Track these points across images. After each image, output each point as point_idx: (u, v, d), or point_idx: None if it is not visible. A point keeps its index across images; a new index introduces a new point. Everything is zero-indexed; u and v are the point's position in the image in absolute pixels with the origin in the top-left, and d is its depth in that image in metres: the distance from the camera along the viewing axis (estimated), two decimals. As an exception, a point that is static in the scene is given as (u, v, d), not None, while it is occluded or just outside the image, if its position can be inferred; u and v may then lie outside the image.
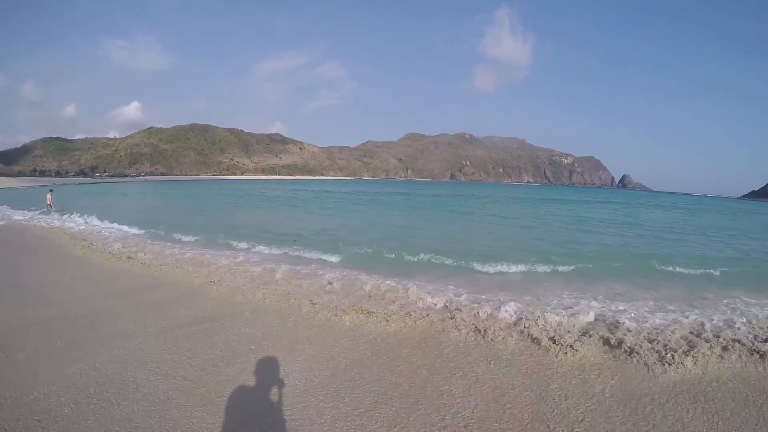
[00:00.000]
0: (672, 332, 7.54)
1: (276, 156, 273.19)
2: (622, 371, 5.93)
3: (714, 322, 8.53)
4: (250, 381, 5.29)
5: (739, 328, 7.90)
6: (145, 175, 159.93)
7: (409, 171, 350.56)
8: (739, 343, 6.88)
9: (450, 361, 6.10)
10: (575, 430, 4.50)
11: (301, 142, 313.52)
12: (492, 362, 6.07)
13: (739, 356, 6.43)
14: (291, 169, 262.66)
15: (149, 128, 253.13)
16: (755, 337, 7.41)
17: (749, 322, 8.55)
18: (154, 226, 20.36)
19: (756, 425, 4.75)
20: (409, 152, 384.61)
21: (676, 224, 37.17)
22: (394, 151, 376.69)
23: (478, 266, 13.42)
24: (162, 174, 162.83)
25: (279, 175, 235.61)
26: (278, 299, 8.79)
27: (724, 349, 6.63)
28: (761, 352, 6.49)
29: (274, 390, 5.02)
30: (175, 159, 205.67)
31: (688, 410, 4.99)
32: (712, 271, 14.75)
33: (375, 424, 4.49)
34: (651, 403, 5.13)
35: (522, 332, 7.21)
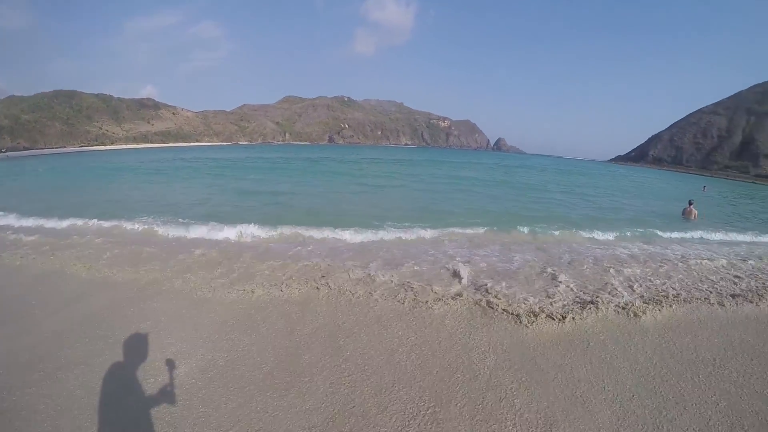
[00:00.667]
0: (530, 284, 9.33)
1: (148, 122, 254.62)
2: (494, 324, 7.17)
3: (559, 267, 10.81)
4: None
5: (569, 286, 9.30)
6: (5, 151, 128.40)
7: (287, 135, 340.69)
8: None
9: (348, 321, 7.15)
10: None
11: (175, 107, 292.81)
12: (380, 321, 7.16)
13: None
14: (164, 136, 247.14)
15: (8, 97, 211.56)
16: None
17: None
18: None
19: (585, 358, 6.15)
20: (287, 115, 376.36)
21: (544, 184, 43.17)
22: (272, 115, 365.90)
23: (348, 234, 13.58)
24: (26, 149, 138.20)
25: (152, 143, 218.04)
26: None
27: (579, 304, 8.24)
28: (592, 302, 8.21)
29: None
30: (39, 131, 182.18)
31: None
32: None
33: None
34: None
35: (408, 291, 8.53)
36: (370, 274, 9.59)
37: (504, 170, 59.95)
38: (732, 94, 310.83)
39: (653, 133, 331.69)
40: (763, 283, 10.42)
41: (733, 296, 9.24)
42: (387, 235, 13.90)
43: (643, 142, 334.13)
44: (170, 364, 5.51)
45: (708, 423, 4.90)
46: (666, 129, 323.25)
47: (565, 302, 8.33)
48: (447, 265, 10.60)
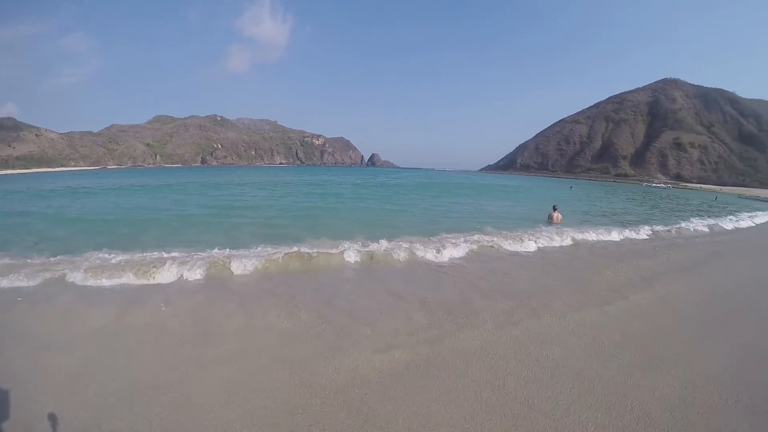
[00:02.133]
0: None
1: (9, 146, 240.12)
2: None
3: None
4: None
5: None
6: None
7: (158, 157, 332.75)
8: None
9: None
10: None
11: (38, 128, 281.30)
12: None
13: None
14: (27, 161, 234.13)
15: None
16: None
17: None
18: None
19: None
20: (158, 136, 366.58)
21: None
22: (142, 135, 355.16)
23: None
24: None
25: (13, 168, 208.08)
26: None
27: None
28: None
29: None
30: None
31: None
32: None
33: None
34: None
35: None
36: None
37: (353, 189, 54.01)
38: (592, 104, 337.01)
39: (520, 143, 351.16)
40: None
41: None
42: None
43: (511, 151, 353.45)
44: None
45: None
46: (532, 138, 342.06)
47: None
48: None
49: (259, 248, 13.53)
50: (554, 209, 24.08)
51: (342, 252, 13.10)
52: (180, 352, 6.62)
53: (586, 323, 8.34)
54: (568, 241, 17.80)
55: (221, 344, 6.93)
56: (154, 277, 10.46)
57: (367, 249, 13.77)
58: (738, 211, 41.46)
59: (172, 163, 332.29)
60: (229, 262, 11.64)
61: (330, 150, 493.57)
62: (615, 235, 20.25)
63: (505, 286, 10.81)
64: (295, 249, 13.14)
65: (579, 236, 18.92)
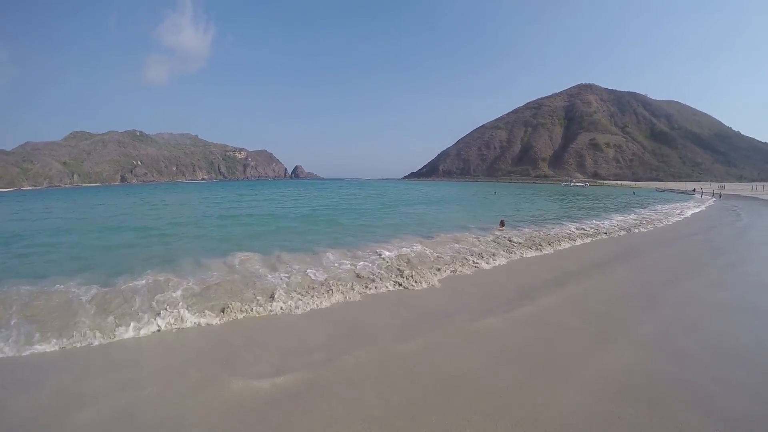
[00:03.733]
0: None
1: None
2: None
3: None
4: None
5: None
6: None
7: (75, 176, 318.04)
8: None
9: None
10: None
11: None
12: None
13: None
14: None
15: None
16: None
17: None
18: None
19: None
20: (75, 153, 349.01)
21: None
22: (58, 153, 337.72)
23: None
24: None
25: None
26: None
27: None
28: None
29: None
30: None
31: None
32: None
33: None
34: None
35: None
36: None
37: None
38: (511, 110, 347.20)
39: (442, 149, 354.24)
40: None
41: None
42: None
43: (434, 158, 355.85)
44: None
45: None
46: (453, 144, 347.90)
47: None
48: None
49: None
50: (501, 224, 23.41)
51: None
52: None
53: (490, 331, 8.21)
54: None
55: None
56: None
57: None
58: (654, 203, 45.34)
59: (91, 183, 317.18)
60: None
61: (253, 164, 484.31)
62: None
63: (410, 299, 10.53)
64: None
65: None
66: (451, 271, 13.27)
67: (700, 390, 5.86)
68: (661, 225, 27.50)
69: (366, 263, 13.64)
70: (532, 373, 6.35)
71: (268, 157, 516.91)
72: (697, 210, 38.58)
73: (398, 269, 12.98)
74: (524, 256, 16.08)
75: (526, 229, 22.58)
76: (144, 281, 10.90)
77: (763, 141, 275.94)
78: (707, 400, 5.62)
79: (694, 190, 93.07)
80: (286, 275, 12.00)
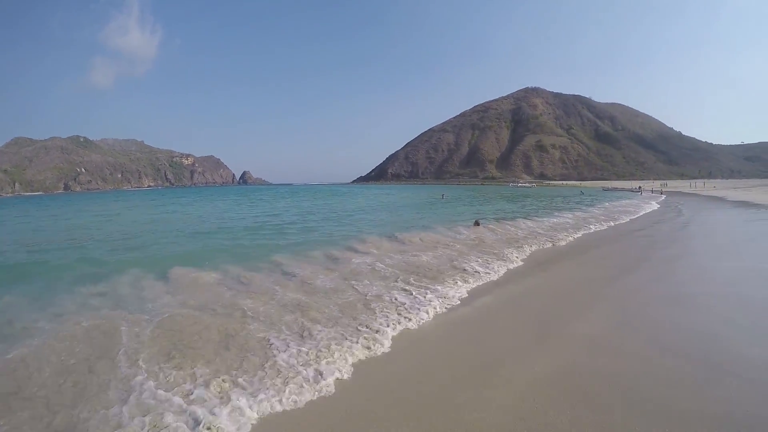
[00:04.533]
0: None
1: None
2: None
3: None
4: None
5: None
6: None
7: (16, 185, 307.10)
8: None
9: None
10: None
11: None
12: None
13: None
14: None
15: None
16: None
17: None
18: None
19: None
20: (16, 161, 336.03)
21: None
22: None
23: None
24: None
25: None
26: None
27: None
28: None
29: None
30: None
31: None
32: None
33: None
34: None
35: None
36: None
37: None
38: (458, 114, 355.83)
39: (390, 153, 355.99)
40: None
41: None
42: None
43: (382, 161, 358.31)
44: None
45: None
46: (402, 148, 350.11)
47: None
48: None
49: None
50: (476, 223, 23.65)
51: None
52: None
53: (425, 334, 7.99)
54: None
55: None
56: None
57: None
58: (603, 201, 47.36)
59: (33, 191, 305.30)
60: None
61: (200, 170, 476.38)
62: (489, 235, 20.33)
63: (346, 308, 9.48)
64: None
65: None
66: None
67: (639, 386, 5.60)
68: (614, 223, 27.65)
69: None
70: (462, 375, 6.11)
71: (215, 163, 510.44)
72: (649, 209, 38.31)
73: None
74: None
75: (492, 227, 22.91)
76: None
77: (703, 141, 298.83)
78: (646, 395, 5.36)
79: (639, 188, 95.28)
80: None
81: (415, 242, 17.96)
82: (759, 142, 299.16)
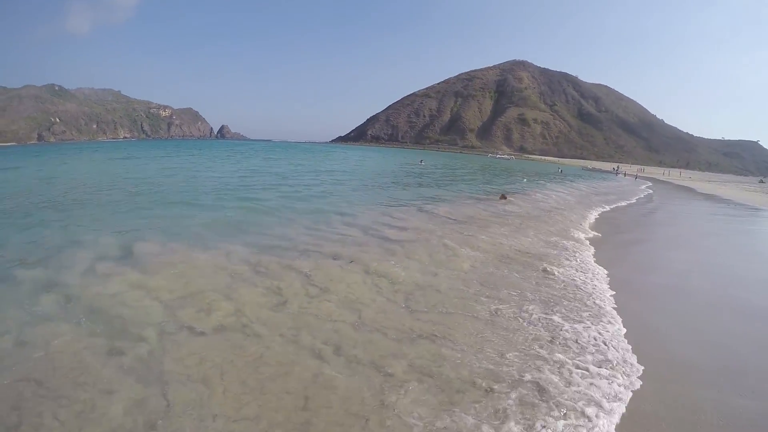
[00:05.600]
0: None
1: None
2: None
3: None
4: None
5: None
6: None
7: None
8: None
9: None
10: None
11: None
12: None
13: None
14: None
15: None
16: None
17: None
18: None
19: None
20: None
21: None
22: None
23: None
24: None
25: None
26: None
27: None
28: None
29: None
30: None
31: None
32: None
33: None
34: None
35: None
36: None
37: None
38: (442, 80, 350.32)
39: (371, 114, 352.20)
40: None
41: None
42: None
43: (362, 122, 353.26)
44: None
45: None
46: (383, 110, 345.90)
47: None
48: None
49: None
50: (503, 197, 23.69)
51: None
52: None
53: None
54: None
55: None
56: None
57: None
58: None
59: (5, 142, 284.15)
60: None
61: (177, 122, 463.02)
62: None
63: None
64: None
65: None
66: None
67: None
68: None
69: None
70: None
71: (193, 116, 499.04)
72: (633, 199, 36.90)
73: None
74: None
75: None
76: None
77: (685, 131, 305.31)
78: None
79: (615, 167, 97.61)
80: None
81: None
82: (739, 140, 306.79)
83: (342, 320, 7.14)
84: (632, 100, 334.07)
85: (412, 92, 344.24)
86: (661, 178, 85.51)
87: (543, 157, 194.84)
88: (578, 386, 5.57)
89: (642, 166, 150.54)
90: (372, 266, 9.90)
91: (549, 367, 5.95)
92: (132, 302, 7.41)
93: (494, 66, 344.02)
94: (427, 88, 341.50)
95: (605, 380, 5.77)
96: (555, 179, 49.36)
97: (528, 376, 5.65)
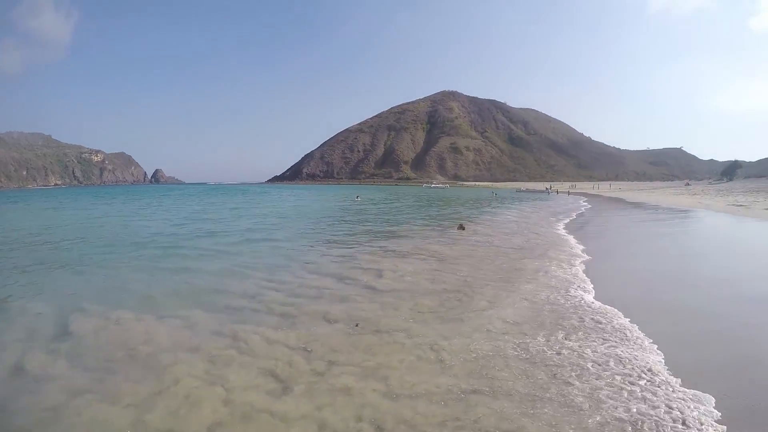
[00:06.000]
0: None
1: None
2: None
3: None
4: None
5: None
6: None
7: None
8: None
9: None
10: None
11: None
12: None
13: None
14: None
15: None
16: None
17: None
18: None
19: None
20: None
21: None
22: None
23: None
24: None
25: None
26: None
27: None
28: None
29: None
30: None
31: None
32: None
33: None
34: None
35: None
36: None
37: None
38: (374, 114, 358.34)
39: (306, 152, 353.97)
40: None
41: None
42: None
43: (298, 161, 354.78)
44: None
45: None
46: (317, 147, 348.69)
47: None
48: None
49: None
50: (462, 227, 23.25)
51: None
52: None
53: None
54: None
55: None
56: None
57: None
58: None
59: None
60: None
61: (110, 167, 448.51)
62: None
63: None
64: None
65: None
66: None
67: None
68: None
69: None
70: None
71: (126, 160, 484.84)
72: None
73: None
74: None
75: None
76: None
77: (612, 146, 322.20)
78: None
79: (549, 187, 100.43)
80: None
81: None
82: (663, 148, 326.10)
83: (370, 390, 5.81)
84: (560, 121, 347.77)
85: (345, 128, 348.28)
86: (591, 192, 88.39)
87: (477, 183, 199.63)
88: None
89: (574, 183, 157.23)
90: (382, 324, 8.39)
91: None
92: (80, 411, 5.41)
93: (425, 98, 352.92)
94: (360, 123, 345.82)
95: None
96: (499, 205, 49.99)
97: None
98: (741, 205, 36.89)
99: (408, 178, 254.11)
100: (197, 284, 11.77)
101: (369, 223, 28.83)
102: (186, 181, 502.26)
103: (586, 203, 51.79)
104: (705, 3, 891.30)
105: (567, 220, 29.88)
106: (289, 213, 38.67)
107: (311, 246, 18.58)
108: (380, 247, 17.88)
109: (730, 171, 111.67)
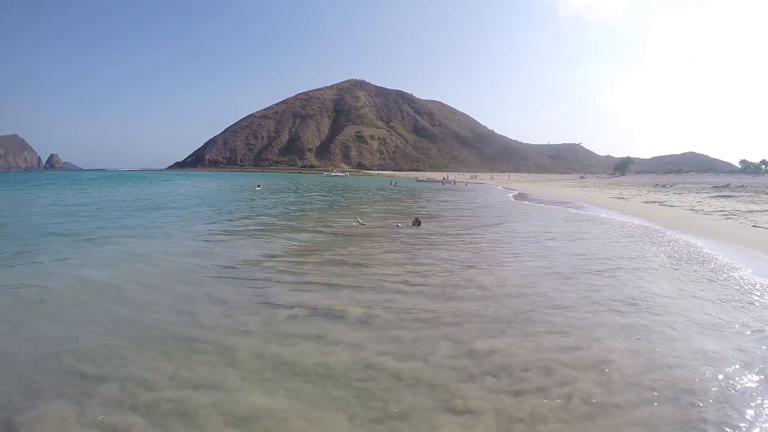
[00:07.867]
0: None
1: None
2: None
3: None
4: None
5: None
6: None
7: None
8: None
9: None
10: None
11: None
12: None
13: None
14: None
15: None
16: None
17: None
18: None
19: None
20: None
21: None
22: None
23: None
24: None
25: None
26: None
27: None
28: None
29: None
30: None
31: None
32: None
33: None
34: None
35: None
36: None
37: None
38: (280, 100, 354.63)
39: (209, 138, 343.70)
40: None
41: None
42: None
43: (200, 146, 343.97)
44: None
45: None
46: (220, 133, 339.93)
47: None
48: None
49: None
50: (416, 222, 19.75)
51: None
52: None
53: None
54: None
55: None
56: None
57: None
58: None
59: None
60: None
61: (2, 152, 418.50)
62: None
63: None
64: None
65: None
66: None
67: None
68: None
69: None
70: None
71: (19, 144, 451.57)
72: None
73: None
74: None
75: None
76: None
77: (514, 139, 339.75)
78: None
79: (445, 177, 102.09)
80: None
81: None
82: (563, 143, 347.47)
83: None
84: (465, 114, 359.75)
85: (250, 113, 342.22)
86: (489, 183, 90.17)
87: (379, 172, 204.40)
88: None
89: (474, 173, 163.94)
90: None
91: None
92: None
93: (332, 86, 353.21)
94: (265, 109, 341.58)
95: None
96: (426, 195, 48.90)
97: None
98: (622, 198, 39.01)
99: (312, 166, 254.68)
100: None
101: (293, 221, 24.37)
102: (83, 167, 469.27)
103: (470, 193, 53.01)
104: (612, 12, 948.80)
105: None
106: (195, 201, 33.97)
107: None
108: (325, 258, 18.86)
109: (623, 166, 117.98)
